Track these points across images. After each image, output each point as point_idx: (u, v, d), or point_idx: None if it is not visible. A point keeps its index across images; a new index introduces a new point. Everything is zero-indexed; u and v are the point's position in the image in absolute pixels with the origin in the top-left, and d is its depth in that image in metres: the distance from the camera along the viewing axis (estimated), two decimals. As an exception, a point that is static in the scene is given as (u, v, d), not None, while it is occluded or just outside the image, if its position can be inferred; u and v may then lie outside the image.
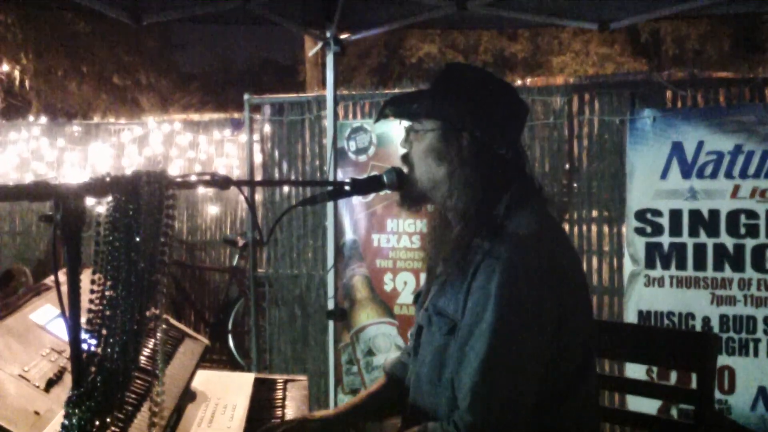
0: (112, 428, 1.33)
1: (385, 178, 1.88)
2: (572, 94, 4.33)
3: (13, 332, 1.65)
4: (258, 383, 2.38)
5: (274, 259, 4.99)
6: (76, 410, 1.28)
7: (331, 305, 3.62)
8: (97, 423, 1.31)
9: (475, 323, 1.62)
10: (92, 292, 1.34)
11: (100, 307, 1.33)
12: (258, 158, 5.20)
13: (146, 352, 1.99)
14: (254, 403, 2.19)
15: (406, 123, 1.87)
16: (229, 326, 6.61)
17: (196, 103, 21.91)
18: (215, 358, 7.05)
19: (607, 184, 4.33)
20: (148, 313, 1.41)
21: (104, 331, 1.33)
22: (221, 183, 1.55)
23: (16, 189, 1.30)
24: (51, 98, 18.28)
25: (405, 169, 1.84)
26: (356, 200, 4.51)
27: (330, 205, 3.67)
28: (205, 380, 2.34)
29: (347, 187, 1.84)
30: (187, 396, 2.15)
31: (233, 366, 6.56)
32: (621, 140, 4.21)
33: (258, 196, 5.35)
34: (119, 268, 1.34)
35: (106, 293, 1.34)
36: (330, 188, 1.88)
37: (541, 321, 1.61)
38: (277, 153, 4.96)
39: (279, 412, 2.18)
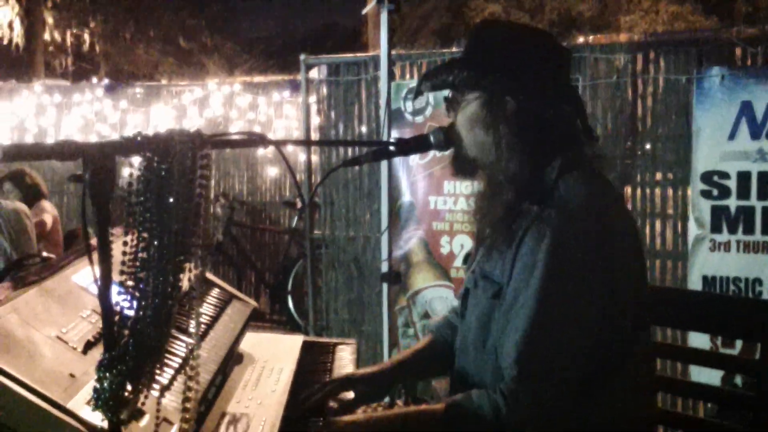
0: (146, 392, 1.30)
1: (432, 138, 1.81)
2: (636, 52, 4.14)
3: (53, 294, 1.64)
4: (307, 346, 2.35)
5: (330, 221, 4.96)
6: (108, 374, 1.26)
7: (384, 268, 3.57)
8: (130, 387, 1.29)
9: (521, 289, 1.56)
10: (124, 254, 1.31)
11: (133, 270, 1.30)
12: (315, 120, 5.16)
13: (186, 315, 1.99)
14: (301, 367, 2.16)
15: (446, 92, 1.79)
16: (289, 287, 6.65)
17: (259, 66, 22.01)
18: (275, 318, 7.13)
19: (672, 145, 4.15)
20: (185, 276, 1.38)
21: (137, 294, 1.30)
22: (257, 141, 1.50)
23: (45, 148, 1.27)
24: (118, 61, 18.61)
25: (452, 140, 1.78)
26: (414, 162, 4.44)
27: (384, 166, 3.60)
28: (254, 343, 2.32)
29: (392, 148, 1.79)
30: (233, 358, 2.13)
31: (293, 327, 6.61)
32: (687, 100, 4.03)
33: (315, 158, 5.33)
34: (151, 230, 1.31)
35: (139, 255, 1.31)
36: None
37: (590, 289, 1.53)
38: (333, 114, 4.90)
39: (326, 376, 2.16)
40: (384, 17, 3.41)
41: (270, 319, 7.20)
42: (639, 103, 4.19)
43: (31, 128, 7.50)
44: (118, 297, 1.29)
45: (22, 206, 4.35)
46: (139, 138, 1.31)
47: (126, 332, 1.29)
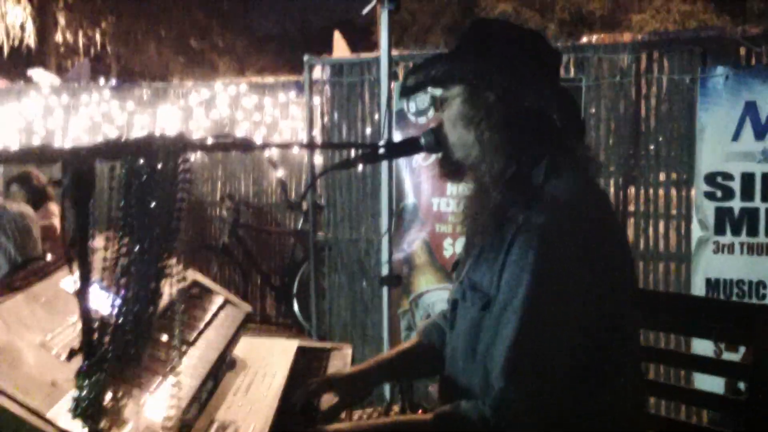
0: (126, 400, 1.29)
1: (422, 140, 1.79)
2: (640, 51, 4.10)
3: (40, 300, 1.62)
4: (301, 351, 2.33)
5: (333, 223, 4.94)
6: (86, 382, 1.24)
7: (385, 271, 3.55)
8: (110, 395, 1.27)
9: (509, 299, 1.53)
10: (105, 259, 1.30)
11: (113, 275, 1.29)
12: (319, 121, 5.13)
13: (175, 320, 1.97)
14: (294, 372, 2.14)
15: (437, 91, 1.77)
16: (294, 289, 6.63)
17: (271, 65, 22.04)
18: (280, 321, 7.12)
19: (675, 145, 4.11)
20: (171, 280, 1.37)
21: (117, 301, 1.29)
22: (240, 146, 1.48)
23: (24, 152, 1.26)
24: (130, 61, 18.69)
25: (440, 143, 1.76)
26: (417, 163, 4.41)
27: (384, 168, 3.57)
28: (249, 348, 2.30)
29: (381, 150, 1.77)
30: (226, 363, 2.12)
31: (298, 329, 6.59)
32: (691, 100, 3.99)
33: (319, 160, 5.31)
34: (132, 235, 1.30)
35: (120, 261, 1.30)
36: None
37: (577, 299, 1.52)
38: (336, 115, 4.88)
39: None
40: (384, 17, 3.38)
41: (275, 322, 7.19)
42: (642, 103, 4.16)
43: (38, 130, 7.52)
44: (98, 303, 1.28)
45: (28, 209, 4.34)
46: (119, 142, 1.30)
47: (106, 339, 1.28)
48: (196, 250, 7.25)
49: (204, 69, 19.49)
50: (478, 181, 1.69)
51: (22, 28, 14.40)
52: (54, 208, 4.93)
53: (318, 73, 5.00)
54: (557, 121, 1.64)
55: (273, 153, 6.67)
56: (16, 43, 14.25)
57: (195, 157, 7.02)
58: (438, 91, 1.78)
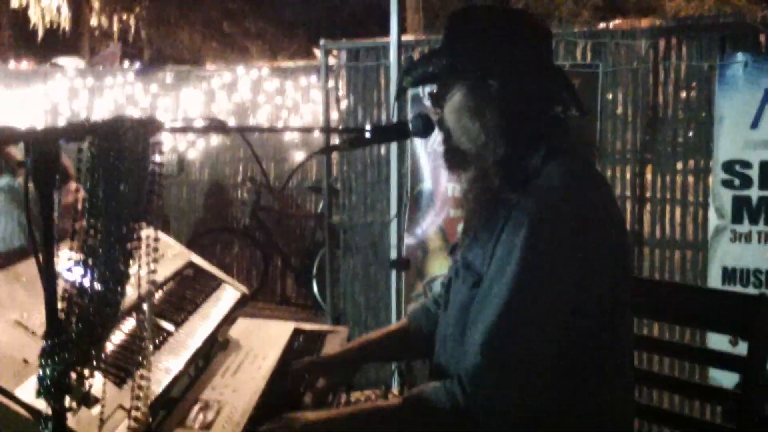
0: (92, 379, 1.29)
1: (410, 125, 1.78)
2: (658, 37, 4.01)
3: (21, 278, 1.64)
4: (297, 334, 2.34)
5: (348, 206, 4.93)
6: (50, 361, 1.25)
7: (393, 255, 3.54)
8: (74, 375, 1.28)
9: (496, 279, 1.51)
10: (72, 239, 1.31)
11: (80, 257, 1.29)
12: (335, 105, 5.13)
13: (168, 304, 1.98)
14: (287, 354, 2.14)
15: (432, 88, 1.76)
16: (314, 272, 6.66)
17: (302, 50, 22.02)
18: (300, 302, 7.16)
19: (693, 133, 4.03)
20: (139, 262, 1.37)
21: (83, 282, 1.29)
22: (217, 129, 1.48)
23: (-11, 133, 1.26)
24: (162, 46, 18.82)
25: (442, 136, 1.75)
26: (434, 147, 4.37)
27: (393, 150, 3.55)
28: (245, 329, 2.31)
29: (368, 135, 1.75)
30: (217, 344, 2.13)
31: (317, 310, 6.63)
32: (709, 87, 3.90)
33: (336, 142, 5.30)
34: (98, 217, 1.30)
35: (87, 242, 1.30)
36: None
37: (566, 280, 1.49)
38: (352, 99, 4.85)
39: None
40: (394, 2, 3.36)
41: (295, 303, 7.23)
42: (660, 89, 4.07)
43: (64, 112, 7.61)
44: (65, 283, 1.29)
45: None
46: (85, 123, 1.30)
47: (73, 319, 1.29)
48: (217, 232, 7.32)
49: (236, 53, 19.54)
50: (480, 167, 1.68)
51: (58, 11, 14.52)
52: (73, 186, 4.98)
53: (335, 57, 4.99)
54: (555, 101, 1.64)
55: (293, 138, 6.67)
56: (54, 26, 14.38)
57: (217, 140, 7.07)
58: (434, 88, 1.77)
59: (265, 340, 2.23)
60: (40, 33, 14.30)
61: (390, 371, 3.71)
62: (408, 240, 4.40)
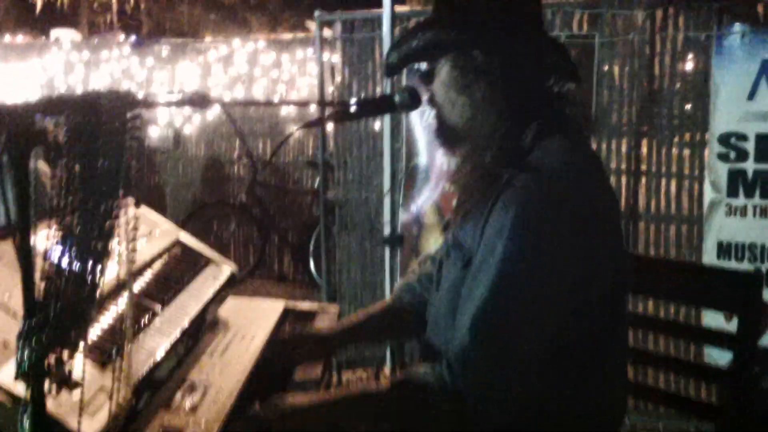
0: (71, 362, 1.26)
1: (397, 98, 1.74)
2: (655, 7, 3.94)
3: (4, 258, 1.61)
4: (287, 313, 2.31)
5: (344, 182, 4.87)
6: (27, 344, 1.22)
7: (387, 231, 3.50)
8: (53, 358, 1.25)
9: (485, 258, 1.48)
10: (49, 218, 1.27)
11: (57, 235, 1.26)
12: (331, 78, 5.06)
13: (155, 282, 1.95)
14: (276, 334, 2.11)
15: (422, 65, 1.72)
16: (311, 248, 6.63)
17: (304, 21, 21.83)
18: (297, 278, 7.13)
19: (689, 105, 3.98)
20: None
21: (61, 262, 1.26)
22: (197, 102, 1.43)
23: (-39, 109, 1.22)
24: (161, 18, 18.66)
25: (433, 113, 1.70)
26: (428, 121, 4.32)
27: (387, 124, 3.49)
28: (234, 308, 2.28)
29: (353, 109, 1.71)
30: (206, 324, 2.10)
31: (313, 287, 6.61)
32: (706, 58, 3.85)
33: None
34: (75, 195, 1.26)
35: (64, 220, 1.27)
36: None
37: (558, 260, 1.45)
38: (347, 72, 4.78)
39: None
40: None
41: (292, 279, 7.21)
42: (657, 60, 4.02)
43: (60, 85, 7.55)
44: (44, 262, 1.26)
45: (42, 164, 4.35)
46: (61, 98, 1.26)
47: (51, 300, 1.25)
48: (214, 208, 7.28)
49: (236, 25, 19.37)
50: (472, 142, 1.64)
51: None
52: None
53: (331, 29, 4.91)
54: (547, 71, 1.60)
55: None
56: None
57: (214, 115, 7.01)
58: (423, 65, 1.73)
59: (254, 320, 2.19)
60: (38, 5, 14.18)
61: (382, 350, 3.69)
62: (403, 216, 4.35)
